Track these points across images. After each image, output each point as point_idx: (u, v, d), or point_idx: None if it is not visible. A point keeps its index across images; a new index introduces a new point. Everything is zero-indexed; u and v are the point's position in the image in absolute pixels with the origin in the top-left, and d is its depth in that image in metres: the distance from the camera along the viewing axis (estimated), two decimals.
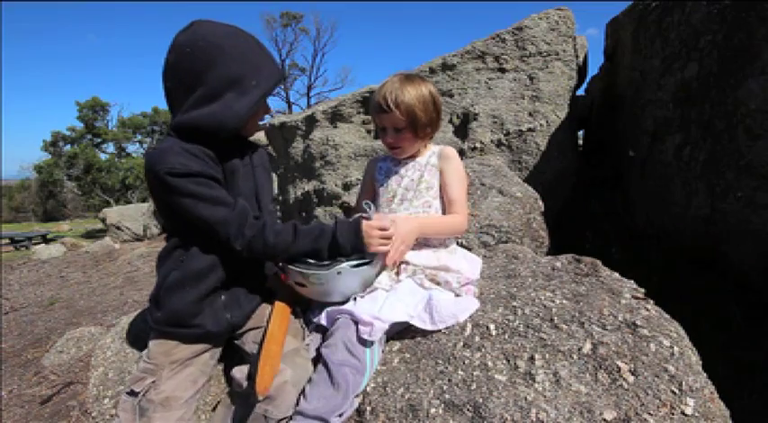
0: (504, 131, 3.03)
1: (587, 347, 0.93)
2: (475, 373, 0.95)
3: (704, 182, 2.09)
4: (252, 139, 1.21)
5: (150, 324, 1.08)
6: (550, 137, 2.96)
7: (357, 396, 0.99)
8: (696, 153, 2.16)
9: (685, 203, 2.23)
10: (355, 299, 1.11)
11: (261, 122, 1.16)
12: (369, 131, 3.67)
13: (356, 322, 1.04)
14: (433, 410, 0.90)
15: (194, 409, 1.05)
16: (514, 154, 3.03)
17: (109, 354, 1.41)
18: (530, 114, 3.01)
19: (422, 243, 1.29)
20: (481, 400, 0.88)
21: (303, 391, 0.97)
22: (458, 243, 1.53)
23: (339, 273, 1.06)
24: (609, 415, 0.79)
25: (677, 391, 0.80)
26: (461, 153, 3.02)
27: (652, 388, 0.82)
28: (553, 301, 1.10)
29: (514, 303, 1.14)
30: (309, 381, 0.99)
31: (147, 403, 0.97)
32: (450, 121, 3.25)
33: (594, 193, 3.27)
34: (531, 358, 0.94)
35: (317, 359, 1.04)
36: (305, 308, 1.23)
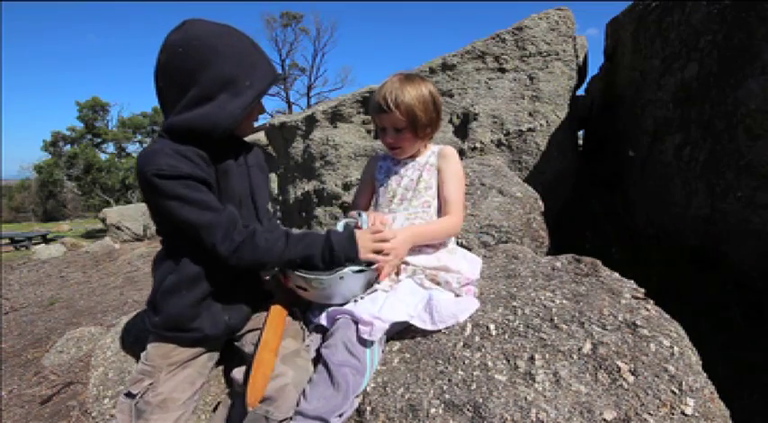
0: (504, 131, 3.03)
1: (587, 347, 0.93)
2: (475, 373, 0.95)
3: (704, 182, 2.09)
4: (252, 139, 1.21)
5: (148, 328, 1.07)
6: (550, 137, 2.96)
7: (357, 396, 0.99)
8: (696, 153, 2.16)
9: (685, 203, 2.23)
10: (356, 300, 1.11)
11: (255, 123, 1.16)
12: (369, 131, 3.67)
13: (356, 322, 1.04)
14: (433, 410, 0.90)
15: (192, 410, 1.04)
16: (514, 154, 3.03)
17: (109, 354, 1.41)
18: (530, 114, 3.01)
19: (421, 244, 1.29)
20: (481, 400, 0.88)
21: (303, 392, 0.97)
22: (458, 243, 1.53)
23: (342, 277, 1.06)
24: (609, 415, 0.79)
25: (677, 391, 0.80)
26: (461, 153, 3.02)
27: (652, 388, 0.82)
28: (553, 301, 1.10)
29: (514, 303, 1.14)
30: (309, 381, 0.99)
31: (144, 405, 0.97)
32: (450, 121, 3.25)
33: (594, 193, 3.27)
34: (531, 358, 0.94)
35: (317, 359, 1.04)
36: (305, 309, 1.23)
